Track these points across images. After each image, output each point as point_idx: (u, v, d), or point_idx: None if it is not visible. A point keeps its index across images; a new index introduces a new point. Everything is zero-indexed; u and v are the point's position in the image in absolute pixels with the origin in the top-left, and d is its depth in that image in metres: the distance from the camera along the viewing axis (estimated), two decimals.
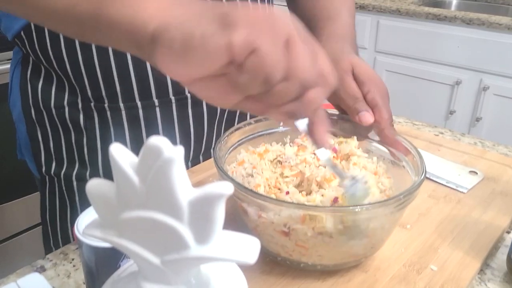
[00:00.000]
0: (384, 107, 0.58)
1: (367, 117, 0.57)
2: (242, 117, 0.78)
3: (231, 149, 0.59)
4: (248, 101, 0.38)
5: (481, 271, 0.54)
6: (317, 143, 0.45)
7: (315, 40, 0.39)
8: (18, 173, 1.53)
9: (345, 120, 0.62)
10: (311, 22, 0.73)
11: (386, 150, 0.59)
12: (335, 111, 0.65)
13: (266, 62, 0.34)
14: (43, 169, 0.73)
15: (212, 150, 0.74)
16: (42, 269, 0.52)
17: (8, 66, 1.45)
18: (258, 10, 0.35)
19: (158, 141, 0.25)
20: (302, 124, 0.43)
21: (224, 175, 0.49)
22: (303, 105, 0.38)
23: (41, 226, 0.79)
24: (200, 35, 0.35)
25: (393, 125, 0.59)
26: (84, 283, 0.49)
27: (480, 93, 2.04)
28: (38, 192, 0.77)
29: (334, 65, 0.58)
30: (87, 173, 0.70)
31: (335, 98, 0.61)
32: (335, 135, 0.62)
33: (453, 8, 2.49)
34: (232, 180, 0.49)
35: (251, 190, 0.48)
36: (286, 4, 0.81)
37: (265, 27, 0.35)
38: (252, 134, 0.62)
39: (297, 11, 0.78)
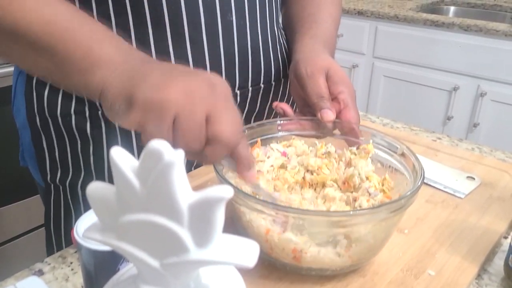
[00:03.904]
0: (353, 108, 0.63)
1: (329, 114, 0.61)
2: (247, 121, 0.77)
3: None
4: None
5: (479, 276, 0.54)
6: (245, 181, 0.52)
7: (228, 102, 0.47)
8: (17, 176, 1.52)
9: (309, 120, 0.64)
10: (297, 24, 0.76)
11: (384, 156, 0.60)
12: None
13: (150, 139, 0.44)
14: (48, 177, 0.72)
15: None
16: (40, 273, 0.52)
17: (9, 69, 1.47)
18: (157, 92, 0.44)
19: (159, 145, 0.25)
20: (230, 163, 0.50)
21: (222, 179, 0.50)
22: (203, 158, 0.48)
23: (39, 230, 0.79)
24: (115, 109, 0.47)
25: (359, 124, 0.64)
26: (82, 287, 0.49)
27: (477, 99, 2.04)
28: (38, 196, 0.76)
29: (311, 62, 0.65)
30: None
31: (304, 94, 0.65)
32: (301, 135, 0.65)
33: (450, 14, 2.51)
34: (230, 184, 0.49)
35: (248, 194, 0.48)
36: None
37: (154, 111, 0.44)
38: (251, 139, 0.62)
39: (286, 13, 0.81)
